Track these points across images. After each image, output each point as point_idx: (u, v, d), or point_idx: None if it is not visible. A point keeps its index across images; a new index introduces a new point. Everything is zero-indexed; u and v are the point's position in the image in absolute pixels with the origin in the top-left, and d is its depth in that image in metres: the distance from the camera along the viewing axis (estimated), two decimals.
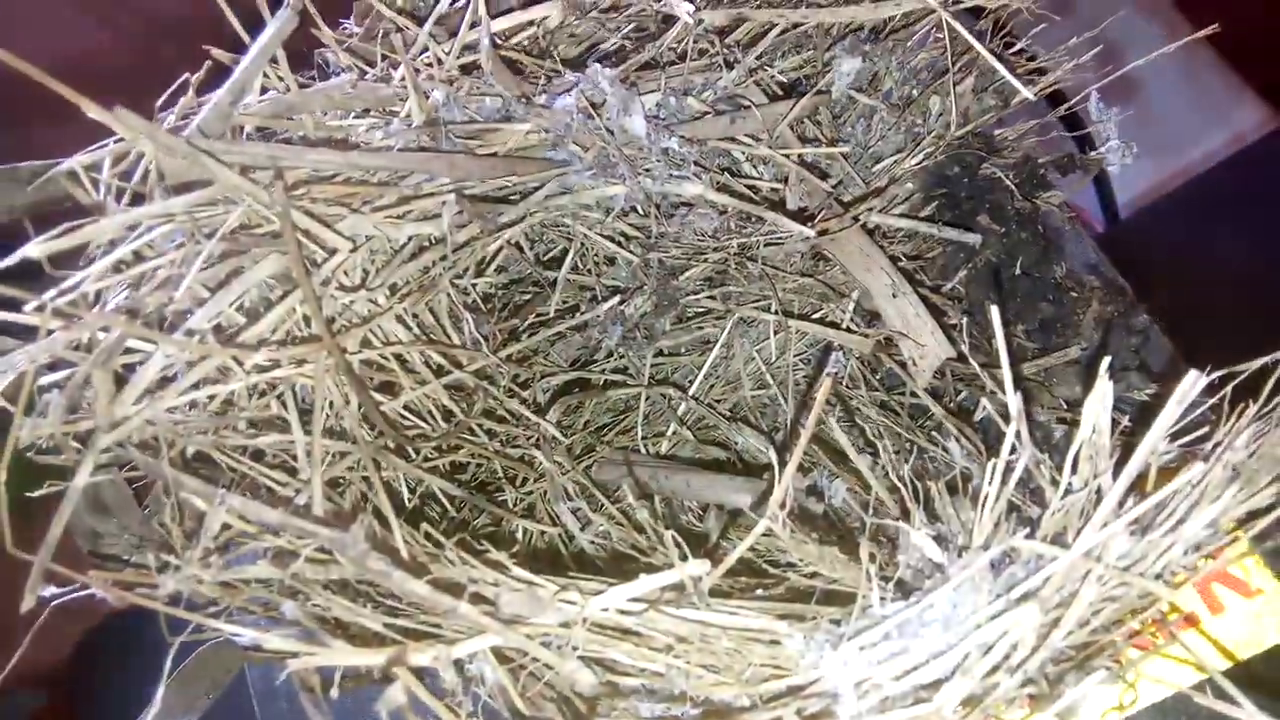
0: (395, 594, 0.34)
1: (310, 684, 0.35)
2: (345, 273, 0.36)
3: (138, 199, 0.36)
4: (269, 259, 0.34)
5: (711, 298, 0.48)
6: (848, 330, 0.47)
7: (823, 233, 0.42)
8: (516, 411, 0.43)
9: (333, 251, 0.35)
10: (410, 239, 0.38)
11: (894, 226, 0.47)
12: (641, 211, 0.44)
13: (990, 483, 0.33)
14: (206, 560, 0.32)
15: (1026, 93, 0.39)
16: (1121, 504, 0.33)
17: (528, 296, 0.48)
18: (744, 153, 0.43)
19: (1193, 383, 0.33)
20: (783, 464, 0.42)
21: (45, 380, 0.34)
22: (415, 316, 0.39)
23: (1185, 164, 1.11)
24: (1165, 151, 1.11)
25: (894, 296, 0.43)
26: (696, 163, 0.41)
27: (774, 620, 0.34)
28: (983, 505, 0.33)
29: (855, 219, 0.44)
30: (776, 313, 0.47)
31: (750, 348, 0.50)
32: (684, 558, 0.35)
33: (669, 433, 0.49)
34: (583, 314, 0.47)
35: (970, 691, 0.32)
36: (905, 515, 0.35)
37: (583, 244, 0.46)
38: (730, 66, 0.42)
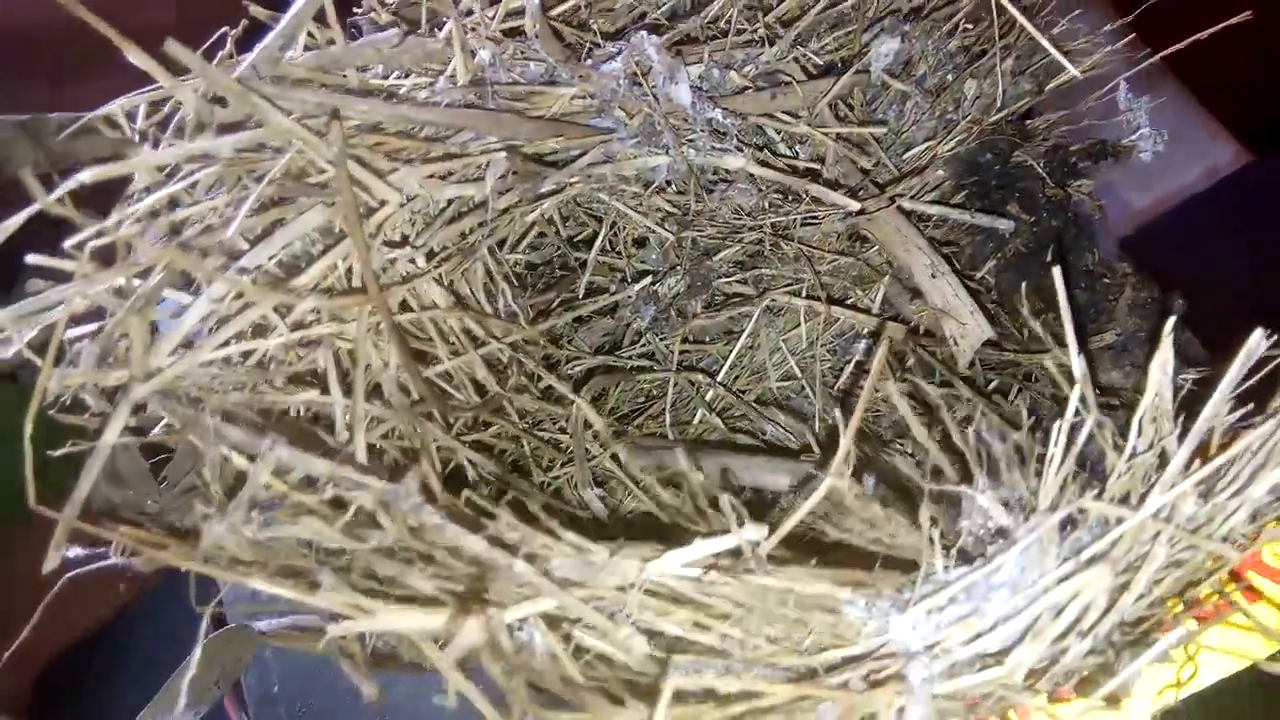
0: (437, 560, 0.32)
1: (351, 651, 0.33)
2: (389, 230, 0.35)
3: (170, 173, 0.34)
4: (315, 210, 0.33)
5: (743, 281, 0.47)
6: (880, 316, 0.47)
7: (861, 211, 0.42)
8: (552, 388, 0.42)
9: (381, 203, 0.34)
10: (452, 201, 0.37)
11: (926, 213, 0.47)
12: (678, 188, 0.44)
13: (1055, 445, 0.33)
14: (248, 517, 0.30)
15: (1072, 69, 0.39)
16: (1188, 467, 0.32)
17: (557, 279, 0.47)
18: (780, 131, 0.43)
19: (1258, 341, 0.33)
20: (825, 446, 0.41)
21: (74, 333, 0.33)
22: (451, 284, 0.38)
23: (1162, 196, 1.13)
24: (1143, 186, 1.13)
25: (933, 277, 0.43)
26: (738, 136, 0.40)
27: (835, 586, 0.32)
28: (1049, 467, 0.33)
29: (892, 200, 0.44)
30: (809, 298, 0.46)
31: (777, 337, 0.50)
32: (741, 523, 0.33)
33: (696, 420, 0.48)
34: (613, 294, 0.46)
35: (1041, 657, 0.31)
36: (967, 480, 0.34)
37: (614, 224, 0.46)
38: (771, 43, 0.42)
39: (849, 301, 0.48)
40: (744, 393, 0.50)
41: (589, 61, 0.38)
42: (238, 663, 0.42)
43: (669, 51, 0.39)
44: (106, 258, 0.31)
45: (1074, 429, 0.33)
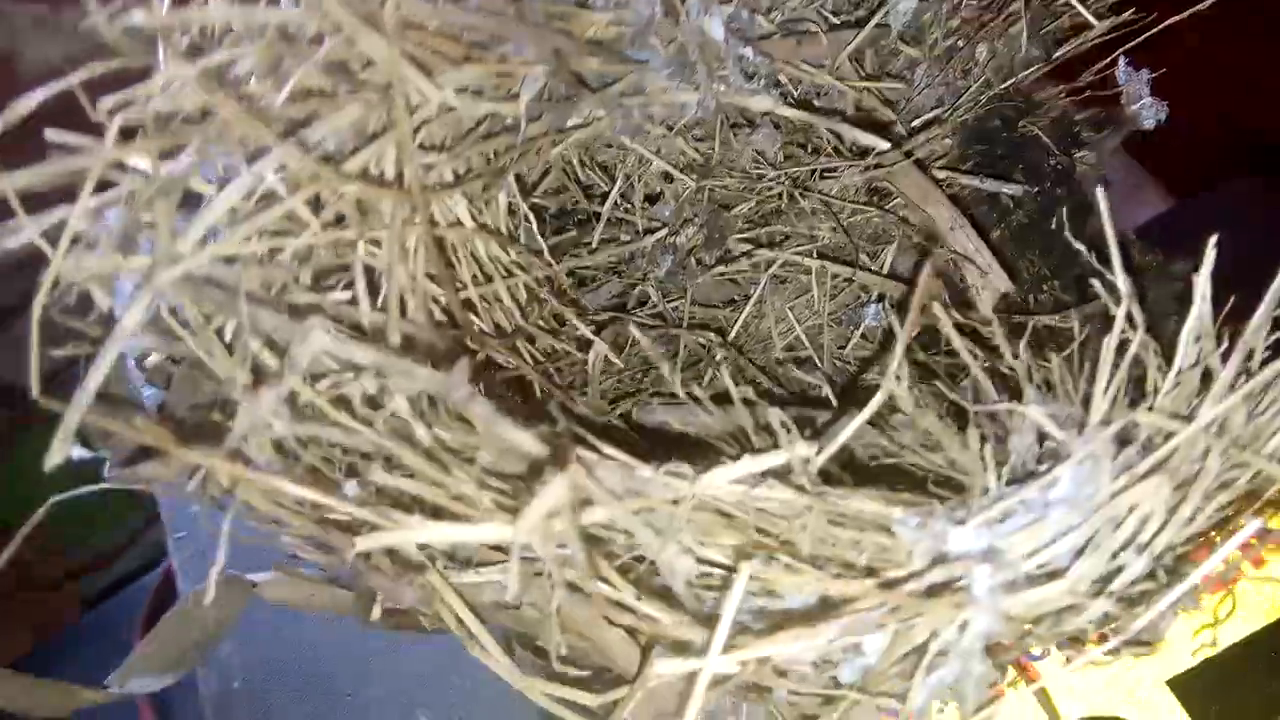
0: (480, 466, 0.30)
1: (381, 567, 0.31)
2: (424, 138, 0.34)
3: (196, 52, 0.33)
4: (353, 104, 0.31)
5: (755, 241, 0.47)
6: (887, 276, 0.47)
7: (893, 147, 0.42)
8: (572, 329, 0.40)
9: (419, 106, 0.32)
10: (485, 119, 0.36)
11: (935, 178, 0.47)
12: (700, 132, 0.43)
13: (1103, 360, 0.32)
14: (279, 411, 0.28)
15: (1092, 19, 0.40)
16: (1234, 384, 0.32)
17: (570, 231, 0.46)
18: (799, 80, 0.43)
19: None
20: (844, 403, 0.40)
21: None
22: (480, 210, 0.37)
23: None
24: None
25: (952, 229, 0.43)
26: (766, 77, 0.40)
27: (887, 506, 0.31)
28: (1098, 383, 0.32)
29: (908, 154, 0.44)
30: (821, 257, 0.46)
31: (783, 305, 0.49)
32: (788, 431, 0.32)
33: (706, 381, 0.47)
34: (625, 242, 0.45)
35: (1102, 570, 0.31)
36: (1016, 398, 0.33)
37: (628, 176, 0.45)
38: None
39: (859, 265, 0.48)
40: (752, 359, 0.49)
41: None
42: (223, 623, 0.39)
43: None
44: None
45: (1122, 345, 0.32)
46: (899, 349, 0.30)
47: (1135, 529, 0.31)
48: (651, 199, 0.47)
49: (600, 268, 0.46)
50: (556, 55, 0.34)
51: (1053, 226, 0.49)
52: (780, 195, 0.45)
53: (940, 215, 0.43)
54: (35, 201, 0.29)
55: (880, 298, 0.48)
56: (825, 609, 0.31)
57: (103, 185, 0.29)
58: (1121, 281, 0.33)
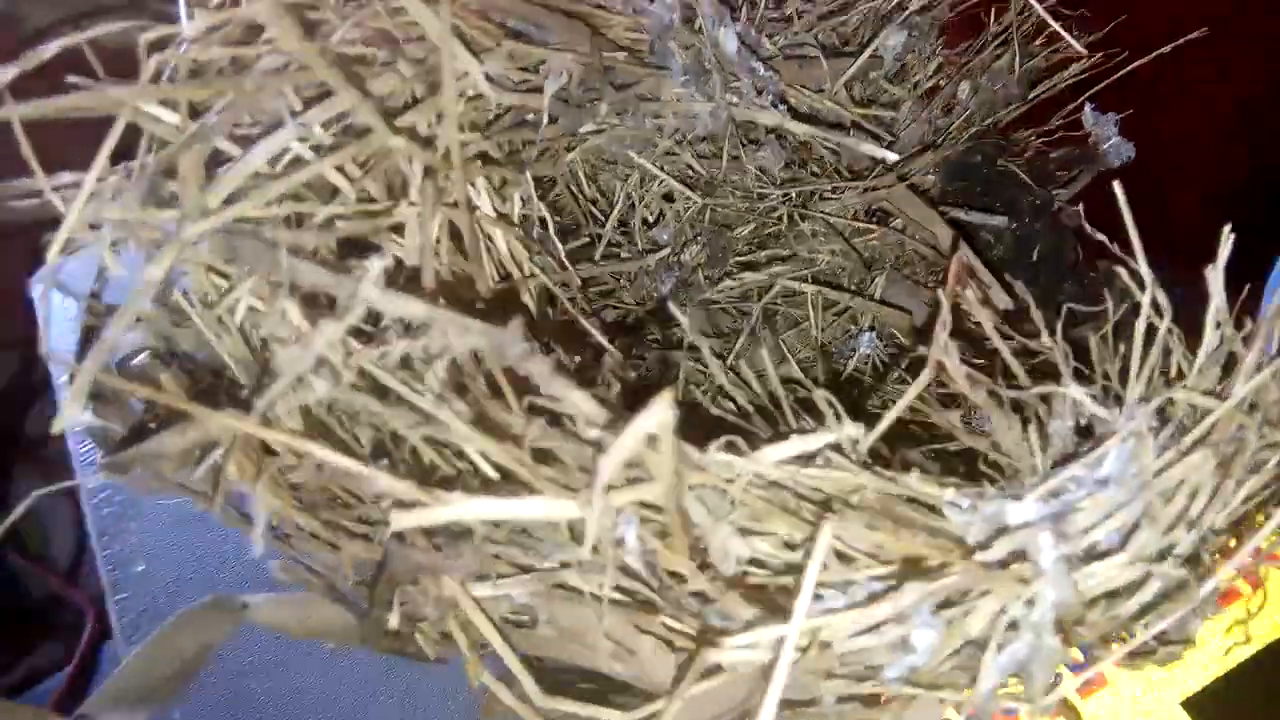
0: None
1: (414, 541, 0.28)
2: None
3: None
4: (390, 75, 0.31)
5: (754, 265, 0.47)
6: (882, 303, 0.47)
7: (892, 181, 0.43)
8: (585, 332, 0.39)
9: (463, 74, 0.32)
10: (508, 110, 0.36)
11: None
12: (706, 149, 0.44)
13: (1136, 342, 0.33)
14: (317, 372, 0.26)
15: (1078, 46, 0.42)
16: (1259, 365, 0.33)
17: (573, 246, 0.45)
18: (800, 103, 0.44)
19: None
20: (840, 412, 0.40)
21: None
22: (504, 200, 0.36)
23: None
24: None
25: (952, 248, 0.44)
26: (774, 94, 0.41)
27: (939, 487, 0.31)
28: (1133, 363, 0.33)
29: (903, 177, 0.45)
30: (816, 283, 0.46)
31: (774, 337, 0.49)
32: (838, 418, 0.31)
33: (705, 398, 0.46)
34: (624, 259, 0.44)
35: (1158, 544, 0.30)
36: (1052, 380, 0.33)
37: (630, 196, 0.45)
38: (799, 17, 0.43)
39: (855, 290, 0.48)
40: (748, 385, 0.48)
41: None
42: (206, 649, 0.35)
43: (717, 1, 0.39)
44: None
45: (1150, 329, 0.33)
46: (944, 318, 0.30)
47: (1185, 503, 0.31)
48: (650, 224, 0.46)
49: (601, 284, 0.45)
50: (590, 44, 0.34)
51: (1033, 259, 0.50)
52: (781, 216, 0.46)
53: (942, 234, 0.43)
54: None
55: (872, 326, 0.48)
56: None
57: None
58: (1144, 270, 0.34)
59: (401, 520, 0.27)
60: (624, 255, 0.45)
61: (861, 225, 0.46)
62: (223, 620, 0.35)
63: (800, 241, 0.46)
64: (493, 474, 0.28)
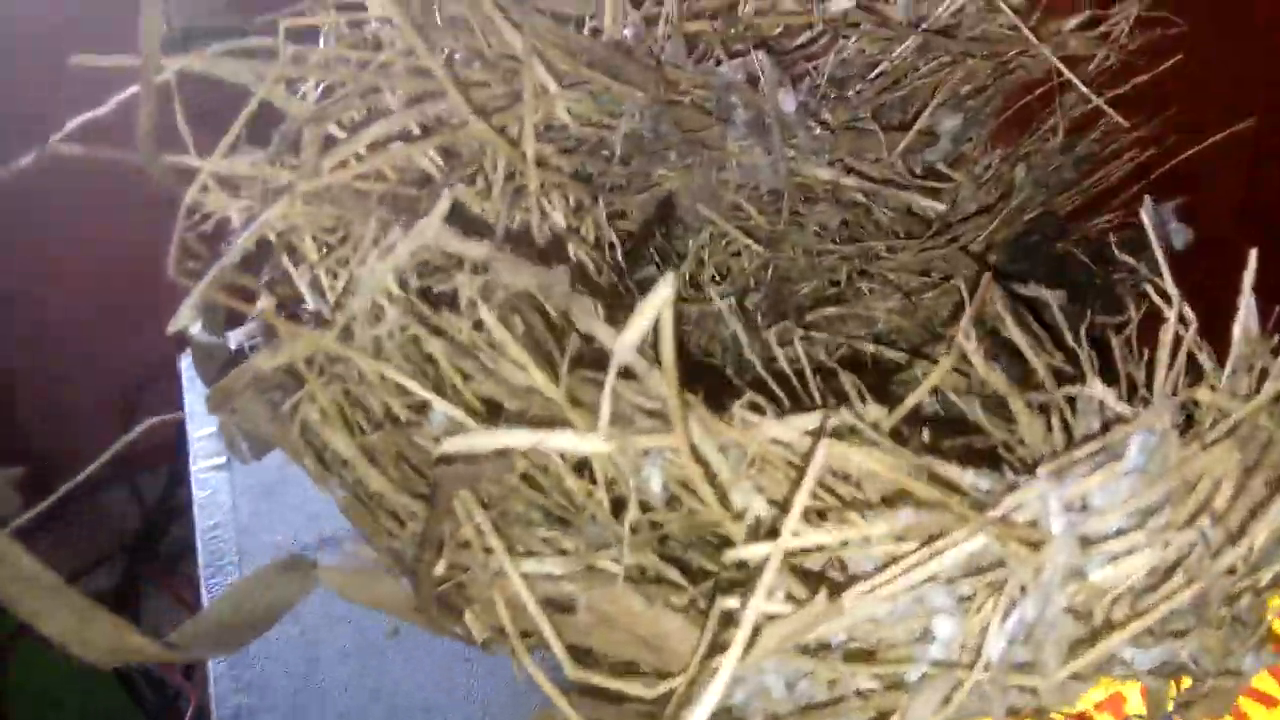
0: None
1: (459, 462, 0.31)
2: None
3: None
4: (479, 88, 0.36)
5: (814, 325, 0.49)
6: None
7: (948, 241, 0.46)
8: None
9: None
10: (581, 144, 0.41)
11: None
12: (763, 205, 0.48)
13: (1164, 345, 0.34)
14: (380, 313, 0.30)
15: (1123, 123, 0.45)
16: None
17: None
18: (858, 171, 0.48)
19: None
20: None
21: None
22: (579, 221, 0.41)
23: None
24: None
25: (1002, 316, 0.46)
26: (831, 155, 0.45)
27: (960, 469, 0.32)
28: (1159, 367, 0.34)
29: (954, 240, 0.48)
30: (877, 342, 0.49)
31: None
32: (862, 399, 0.33)
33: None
34: (695, 300, 0.48)
35: (1178, 527, 0.30)
36: (1075, 380, 0.35)
37: (700, 249, 0.49)
38: (857, 93, 0.48)
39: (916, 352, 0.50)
40: None
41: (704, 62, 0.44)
42: (279, 605, 0.38)
43: (777, 66, 0.44)
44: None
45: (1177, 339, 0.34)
46: (972, 308, 0.32)
47: (1208, 493, 0.31)
48: (718, 280, 0.50)
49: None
50: (659, 88, 0.39)
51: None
52: (841, 275, 0.49)
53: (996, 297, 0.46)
54: None
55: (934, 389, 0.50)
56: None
57: None
58: (1170, 285, 0.35)
59: (452, 445, 0.30)
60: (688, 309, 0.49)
61: (920, 283, 0.48)
62: (296, 580, 0.38)
63: (859, 300, 0.49)
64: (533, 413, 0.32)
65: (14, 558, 0.30)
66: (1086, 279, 0.52)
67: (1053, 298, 0.51)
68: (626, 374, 0.30)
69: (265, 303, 0.30)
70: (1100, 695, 0.40)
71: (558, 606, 0.37)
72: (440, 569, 0.35)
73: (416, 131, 0.34)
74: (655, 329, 0.24)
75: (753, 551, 0.27)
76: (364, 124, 0.34)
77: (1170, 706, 0.35)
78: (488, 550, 0.35)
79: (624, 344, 0.25)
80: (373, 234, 0.31)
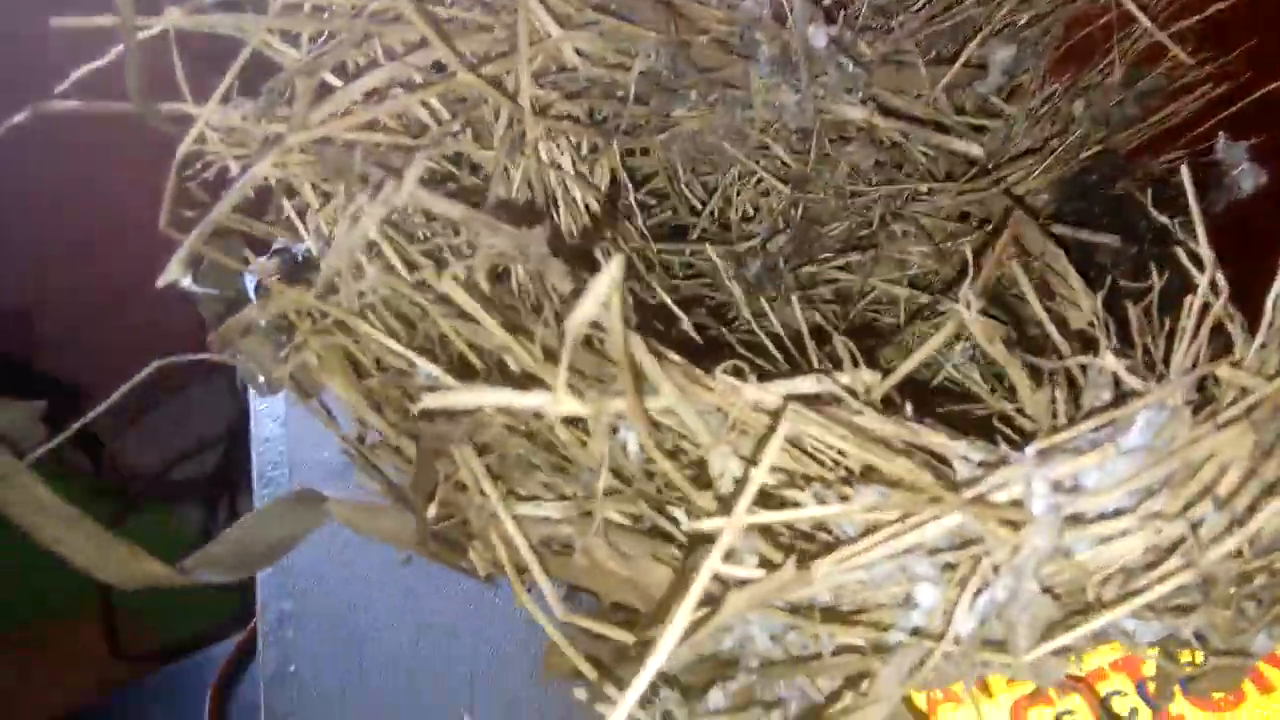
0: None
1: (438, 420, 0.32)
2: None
3: None
4: (482, 34, 0.35)
5: (844, 267, 0.48)
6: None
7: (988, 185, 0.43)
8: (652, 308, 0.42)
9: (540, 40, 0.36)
10: (598, 86, 0.40)
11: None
12: (795, 144, 0.46)
13: (1186, 318, 0.32)
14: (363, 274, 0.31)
15: (1187, 59, 0.42)
16: None
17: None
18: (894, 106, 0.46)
19: None
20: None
21: None
22: (588, 171, 0.40)
23: None
24: None
25: (1043, 253, 0.44)
26: (864, 92, 0.43)
27: (950, 439, 0.31)
28: (1179, 340, 0.32)
29: (997, 182, 0.45)
30: (912, 287, 0.47)
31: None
32: (855, 363, 0.32)
33: None
34: (718, 240, 0.47)
35: (1176, 510, 0.29)
36: (1090, 350, 0.33)
37: (726, 189, 0.48)
38: (899, 26, 0.45)
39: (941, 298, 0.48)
40: None
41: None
42: (293, 536, 0.40)
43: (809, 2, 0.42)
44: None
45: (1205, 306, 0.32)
46: (983, 274, 0.31)
47: (1213, 477, 0.29)
48: (748, 219, 0.49)
49: (694, 274, 0.48)
50: (673, 27, 0.38)
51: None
52: (872, 218, 0.47)
53: (1033, 238, 0.43)
54: None
55: (966, 336, 0.48)
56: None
57: None
58: (1205, 252, 0.33)
59: (431, 401, 0.31)
60: (714, 259, 0.48)
61: (955, 227, 0.46)
62: (307, 513, 0.40)
63: (892, 242, 0.47)
64: (515, 368, 0.32)
65: (33, 490, 0.33)
66: (1145, 223, 0.49)
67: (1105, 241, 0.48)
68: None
69: (259, 265, 0.30)
70: (1117, 655, 0.39)
71: (559, 547, 0.38)
72: (433, 511, 0.36)
73: (419, 80, 0.34)
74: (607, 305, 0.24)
75: (710, 525, 0.27)
76: (359, 74, 0.34)
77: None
78: (483, 493, 0.36)
79: (574, 323, 0.25)
80: (356, 190, 0.31)
